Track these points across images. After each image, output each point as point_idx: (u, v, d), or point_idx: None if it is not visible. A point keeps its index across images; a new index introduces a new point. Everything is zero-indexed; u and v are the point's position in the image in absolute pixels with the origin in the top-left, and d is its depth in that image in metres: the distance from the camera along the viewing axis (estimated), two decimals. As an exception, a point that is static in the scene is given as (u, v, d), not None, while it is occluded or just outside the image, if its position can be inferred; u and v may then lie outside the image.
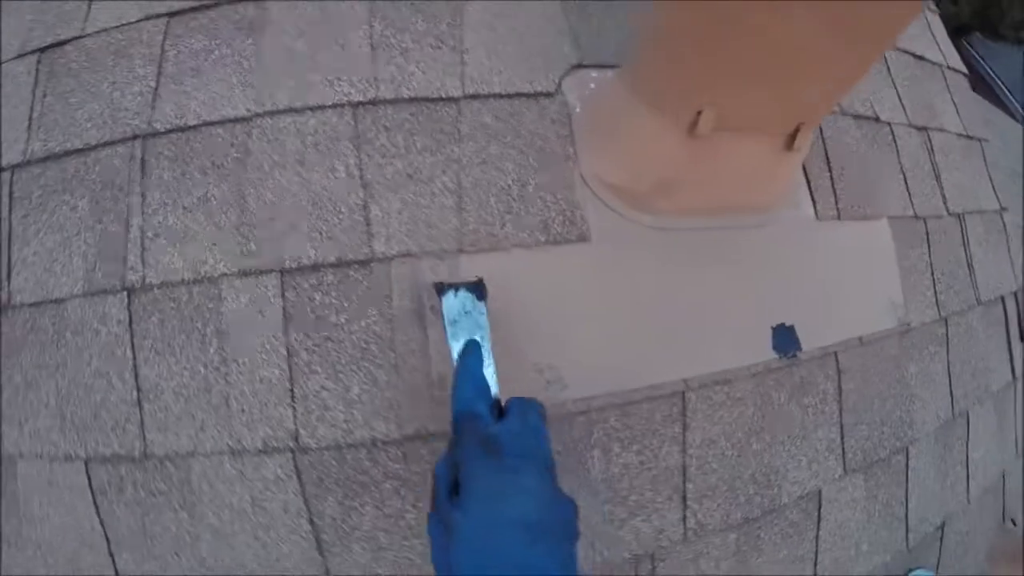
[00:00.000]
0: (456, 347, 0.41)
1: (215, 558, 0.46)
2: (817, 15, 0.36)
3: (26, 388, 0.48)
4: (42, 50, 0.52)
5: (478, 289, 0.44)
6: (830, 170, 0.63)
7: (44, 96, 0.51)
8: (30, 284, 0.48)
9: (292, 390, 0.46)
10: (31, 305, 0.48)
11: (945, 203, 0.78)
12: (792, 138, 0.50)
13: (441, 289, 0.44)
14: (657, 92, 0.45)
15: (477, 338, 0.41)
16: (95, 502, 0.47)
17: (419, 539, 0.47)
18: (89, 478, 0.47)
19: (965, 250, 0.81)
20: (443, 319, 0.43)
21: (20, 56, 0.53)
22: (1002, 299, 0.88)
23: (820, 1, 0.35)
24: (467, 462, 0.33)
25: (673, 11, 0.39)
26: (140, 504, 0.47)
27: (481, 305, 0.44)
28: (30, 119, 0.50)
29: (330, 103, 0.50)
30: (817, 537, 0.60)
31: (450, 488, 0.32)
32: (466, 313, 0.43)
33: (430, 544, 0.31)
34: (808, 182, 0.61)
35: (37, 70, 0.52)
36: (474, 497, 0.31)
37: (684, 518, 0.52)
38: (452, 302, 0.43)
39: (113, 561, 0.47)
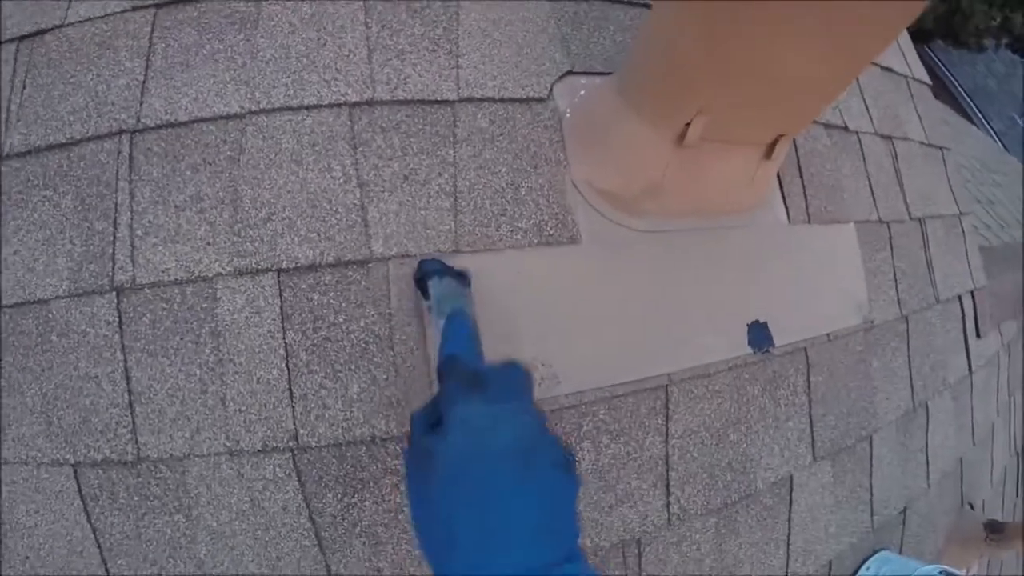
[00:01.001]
0: (442, 321, 0.45)
1: (213, 560, 0.49)
2: (807, 35, 0.41)
3: (9, 392, 0.49)
4: (20, 39, 0.53)
5: (462, 276, 0.50)
6: (801, 176, 0.71)
7: (23, 88, 0.52)
8: (11, 284, 0.50)
9: (291, 390, 0.50)
10: (12, 306, 0.49)
11: (907, 208, 0.89)
12: (771, 148, 0.58)
13: (428, 274, 0.50)
14: (649, 103, 0.51)
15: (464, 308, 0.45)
16: (86, 508, 0.49)
17: (418, 532, 0.52)
18: (79, 484, 0.49)
19: (925, 252, 0.93)
20: (431, 298, 0.48)
21: (-5, 45, 0.53)
22: (959, 298, 1.01)
23: (810, 21, 0.39)
24: (450, 396, 0.33)
25: (671, 28, 0.45)
26: (134, 509, 0.49)
27: (466, 288, 0.50)
28: (8, 111, 0.51)
29: (327, 103, 0.54)
30: (789, 520, 0.69)
31: (429, 425, 0.33)
32: (452, 295, 0.48)
33: (406, 482, 0.32)
34: (781, 187, 0.69)
35: (15, 60, 0.53)
36: (458, 427, 0.31)
37: (668, 504, 0.59)
38: (438, 284, 0.49)
39: (106, 567, 0.49)
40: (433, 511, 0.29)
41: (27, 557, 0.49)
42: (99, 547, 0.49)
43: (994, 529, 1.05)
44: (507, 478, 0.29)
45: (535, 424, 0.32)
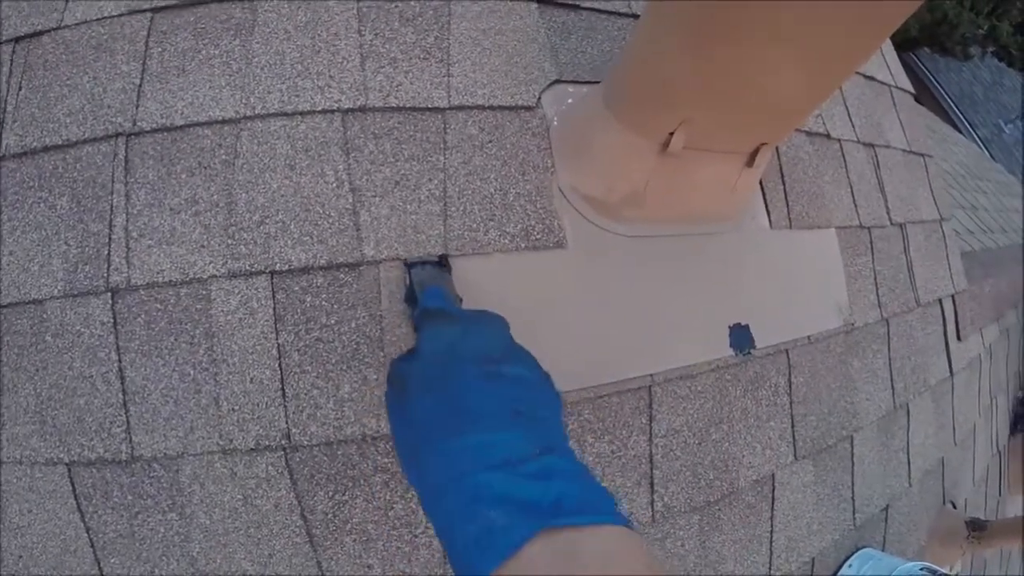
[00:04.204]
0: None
1: (206, 558, 0.51)
2: (787, 51, 0.43)
3: (3, 392, 0.50)
4: (16, 40, 0.54)
5: (441, 264, 0.54)
6: (784, 183, 0.74)
7: (19, 89, 0.53)
8: (5, 284, 0.51)
9: (283, 390, 0.52)
10: (7, 306, 0.51)
11: (888, 214, 0.93)
12: (753, 156, 0.60)
13: (411, 264, 0.53)
14: (634, 112, 0.54)
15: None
16: (79, 507, 0.50)
17: (407, 528, 0.54)
18: (73, 483, 0.50)
19: (906, 257, 0.96)
20: (412, 284, 0.51)
21: (-9, 48, 0.54)
22: (940, 302, 1.04)
23: (790, 39, 0.41)
24: (423, 330, 0.34)
25: (655, 41, 0.47)
26: (127, 507, 0.50)
27: (445, 273, 0.53)
28: (4, 112, 0.53)
29: (320, 109, 0.55)
30: (772, 518, 0.71)
31: (404, 360, 0.33)
32: (432, 278, 0.52)
33: (389, 419, 0.33)
34: (763, 194, 0.72)
35: (11, 61, 0.54)
36: (428, 341, 0.32)
37: (652, 502, 0.61)
38: (420, 271, 0.52)
39: (99, 566, 0.50)
40: (409, 424, 0.30)
41: (20, 556, 0.50)
42: (92, 546, 0.50)
43: (976, 527, 1.08)
44: (477, 377, 0.29)
45: (506, 337, 0.33)
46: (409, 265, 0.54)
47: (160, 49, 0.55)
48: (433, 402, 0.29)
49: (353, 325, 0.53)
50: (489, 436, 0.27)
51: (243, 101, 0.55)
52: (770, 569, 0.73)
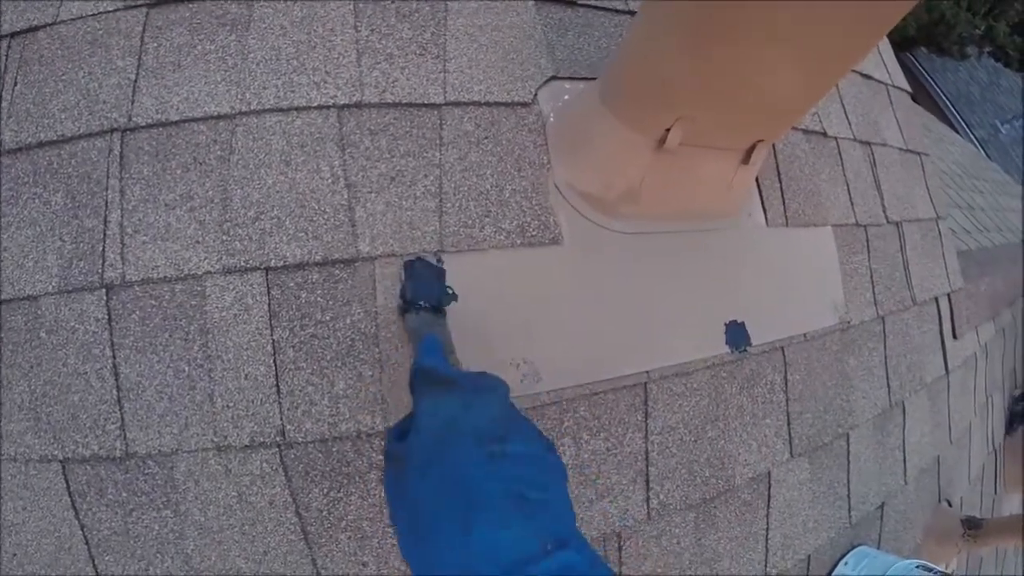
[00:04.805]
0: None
1: (201, 555, 0.51)
2: (784, 51, 0.43)
3: (-4, 388, 0.50)
4: (12, 36, 0.54)
5: (437, 310, 0.53)
6: (780, 181, 0.74)
7: (15, 84, 0.53)
8: (0, 281, 0.50)
9: (278, 386, 0.51)
10: (1, 303, 0.50)
11: (885, 212, 0.93)
12: (749, 153, 0.60)
13: (404, 308, 0.53)
14: (630, 108, 0.53)
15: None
16: (74, 504, 0.50)
17: (403, 526, 0.53)
18: (67, 480, 0.50)
19: (902, 255, 0.96)
20: (407, 328, 0.52)
21: (-14, 43, 0.54)
22: (936, 300, 1.04)
23: (787, 39, 0.41)
24: (419, 401, 0.32)
25: (652, 37, 0.47)
26: (122, 505, 0.50)
27: (441, 319, 0.53)
28: (-2, 109, 0.52)
29: (316, 104, 0.55)
30: (768, 515, 0.71)
31: (402, 433, 0.32)
32: (427, 325, 0.52)
33: (386, 495, 0.32)
34: (760, 191, 0.72)
35: (7, 56, 0.54)
36: (427, 417, 0.31)
37: (647, 499, 0.61)
38: (414, 319, 0.52)
39: (94, 564, 0.50)
40: (410, 504, 0.28)
41: (15, 554, 0.50)
42: (87, 543, 0.50)
43: (972, 525, 1.08)
44: (479, 460, 0.28)
45: (506, 406, 0.32)
46: (405, 304, 0.52)
47: (155, 44, 0.55)
48: (435, 485, 0.28)
49: (348, 321, 0.53)
50: (495, 533, 0.26)
51: (238, 96, 0.54)
52: (766, 567, 0.73)
